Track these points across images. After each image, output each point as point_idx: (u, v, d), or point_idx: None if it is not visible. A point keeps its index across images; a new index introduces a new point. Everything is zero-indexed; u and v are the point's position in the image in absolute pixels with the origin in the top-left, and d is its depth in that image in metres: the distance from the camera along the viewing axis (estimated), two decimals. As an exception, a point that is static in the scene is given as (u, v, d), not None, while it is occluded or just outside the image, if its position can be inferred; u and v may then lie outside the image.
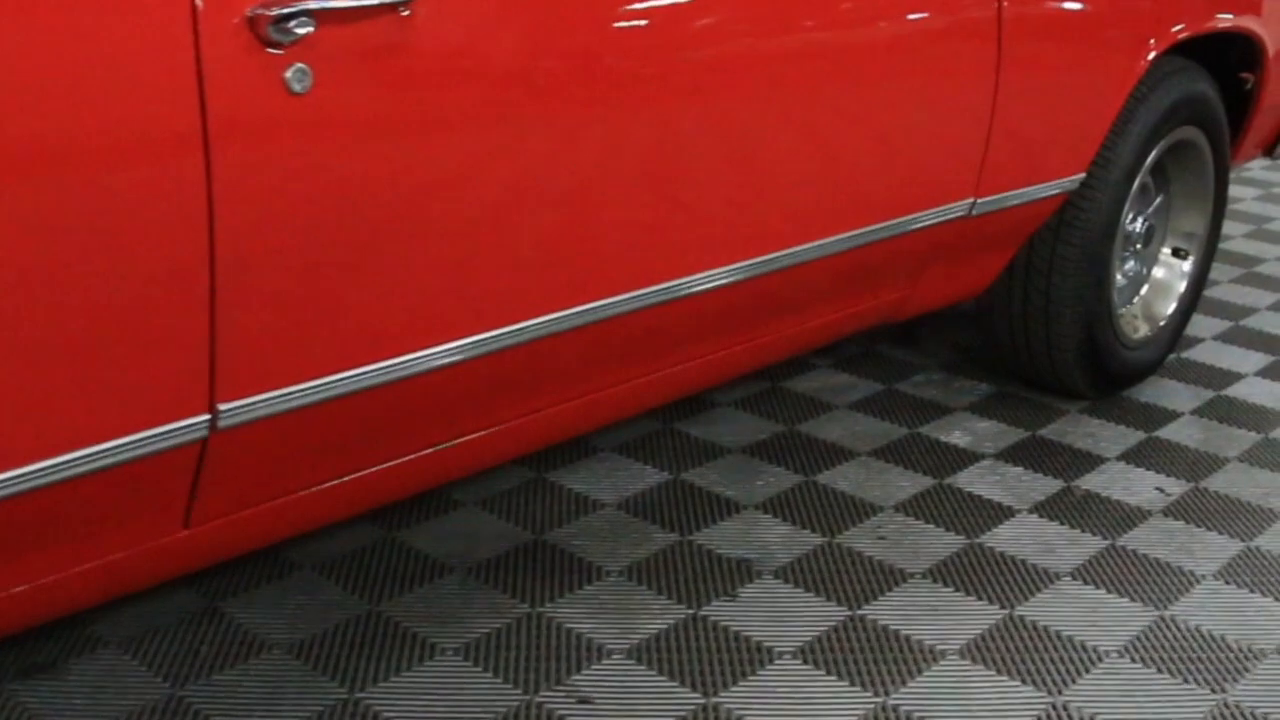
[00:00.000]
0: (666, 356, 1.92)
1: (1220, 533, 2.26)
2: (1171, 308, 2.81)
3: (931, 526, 2.25)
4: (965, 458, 2.49)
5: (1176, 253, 2.87)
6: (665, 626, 1.91)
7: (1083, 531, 2.26)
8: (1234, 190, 4.49)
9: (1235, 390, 2.85)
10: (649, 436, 2.51)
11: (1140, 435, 2.63)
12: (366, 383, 1.49)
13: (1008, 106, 2.14)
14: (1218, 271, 3.60)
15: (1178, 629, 1.97)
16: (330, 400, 1.45)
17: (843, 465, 2.45)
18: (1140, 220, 2.70)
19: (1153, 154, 2.57)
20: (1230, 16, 2.64)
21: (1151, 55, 2.43)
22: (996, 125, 2.13)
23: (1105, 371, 2.67)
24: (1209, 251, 2.89)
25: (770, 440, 2.54)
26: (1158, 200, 2.76)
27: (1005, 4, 2.09)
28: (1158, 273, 2.84)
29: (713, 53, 1.72)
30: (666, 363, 1.93)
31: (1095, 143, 2.38)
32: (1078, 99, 2.29)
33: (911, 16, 1.96)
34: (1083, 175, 2.40)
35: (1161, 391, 2.83)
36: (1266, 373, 2.95)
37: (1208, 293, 3.41)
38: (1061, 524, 2.28)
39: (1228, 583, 2.10)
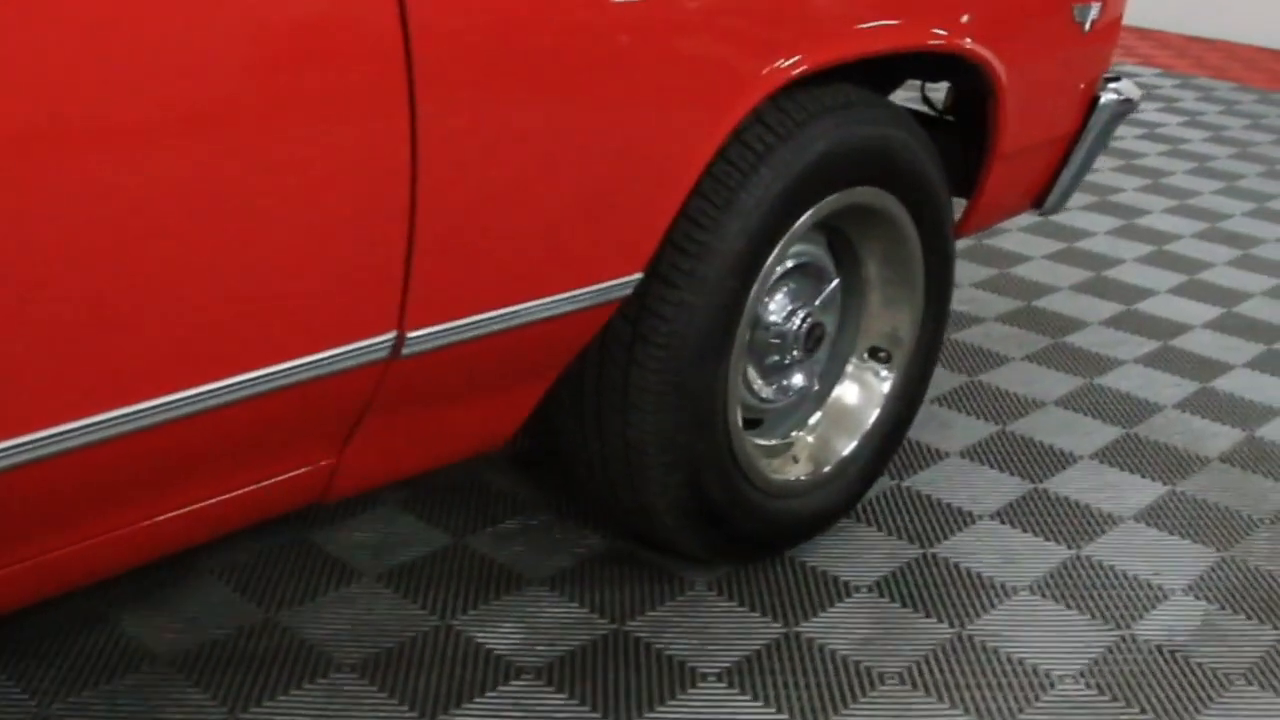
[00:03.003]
0: None
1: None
2: (853, 444, 2.00)
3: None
4: (490, 675, 1.69)
5: (876, 354, 2.14)
6: None
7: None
8: (1086, 221, 3.64)
9: (953, 546, 2.04)
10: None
11: (774, 631, 1.84)
12: None
13: (445, 192, 1.35)
14: (1012, 344, 2.75)
15: None
16: None
17: (300, 690, 1.68)
18: (802, 316, 1.93)
19: (791, 231, 1.78)
20: (925, 31, 1.83)
21: (766, 89, 1.62)
22: (425, 223, 1.34)
23: (731, 532, 1.88)
24: (925, 353, 2.07)
25: (234, 637, 1.76)
26: (831, 287, 1.97)
27: (415, 40, 1.31)
28: (842, 389, 2.04)
29: None
30: None
31: (657, 228, 1.59)
32: (605, 166, 1.49)
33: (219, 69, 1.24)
34: (639, 276, 1.63)
35: (847, 547, 2.03)
36: (1012, 513, 2.14)
37: (987, 376, 2.59)
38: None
39: None
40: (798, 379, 1.98)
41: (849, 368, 2.05)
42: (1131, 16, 6.25)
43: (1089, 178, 3.98)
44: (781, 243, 1.77)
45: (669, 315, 1.69)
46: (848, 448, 1.99)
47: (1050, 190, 2.27)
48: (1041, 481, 2.26)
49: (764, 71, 1.63)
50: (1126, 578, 2.01)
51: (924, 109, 2.29)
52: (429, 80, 1.31)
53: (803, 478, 1.95)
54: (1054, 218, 3.60)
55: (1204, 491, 2.27)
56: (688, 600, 1.90)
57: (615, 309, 1.62)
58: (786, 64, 1.65)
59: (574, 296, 1.52)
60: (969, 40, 1.92)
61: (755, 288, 1.76)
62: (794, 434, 1.99)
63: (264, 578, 1.89)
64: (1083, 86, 2.22)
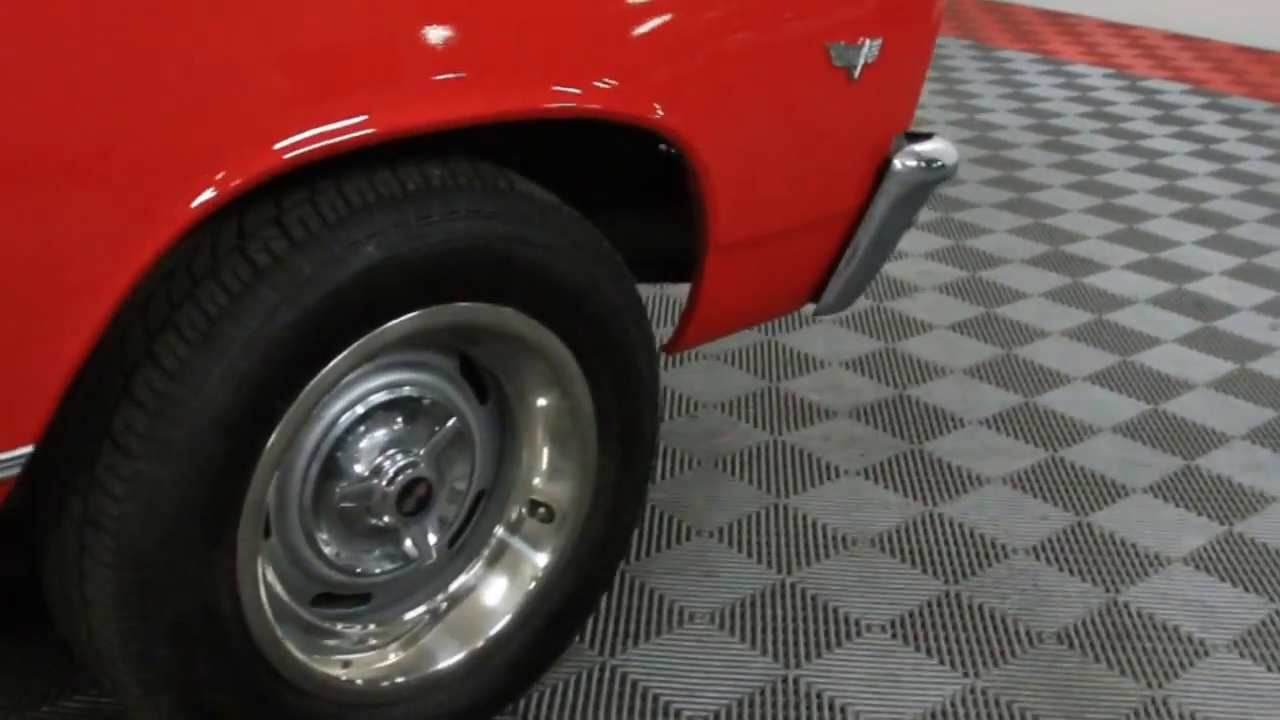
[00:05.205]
0: None
1: None
2: (460, 653, 1.47)
3: None
4: None
5: (535, 513, 1.65)
6: None
7: None
8: (1022, 278, 2.95)
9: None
10: None
11: None
12: None
13: None
14: (853, 452, 2.17)
15: None
16: None
17: None
18: (395, 469, 1.42)
19: (327, 370, 1.26)
20: (533, 92, 1.31)
21: (216, 191, 1.13)
22: None
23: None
24: (611, 513, 1.54)
25: None
26: (444, 432, 1.44)
27: None
28: (476, 573, 1.52)
29: None
30: None
31: (39, 391, 1.09)
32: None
33: None
34: (27, 450, 1.14)
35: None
36: (741, 714, 1.61)
37: (798, 499, 2.02)
38: None
39: None
40: (408, 547, 1.48)
41: (494, 536, 1.55)
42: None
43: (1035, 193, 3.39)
44: (312, 385, 1.30)
45: (121, 493, 1.22)
46: (456, 653, 1.47)
47: (827, 283, 1.78)
48: (797, 667, 1.75)
49: (204, 168, 1.12)
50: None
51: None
52: None
53: (359, 682, 1.42)
54: (986, 274, 3.00)
55: (1013, 690, 1.71)
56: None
57: (7, 490, 1.19)
58: (246, 155, 1.13)
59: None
60: (634, 100, 1.43)
61: (273, 448, 1.27)
62: (347, 629, 1.45)
63: None
64: (862, 151, 1.71)
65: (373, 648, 1.46)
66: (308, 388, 1.28)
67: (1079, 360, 2.64)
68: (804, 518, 2.04)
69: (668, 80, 1.43)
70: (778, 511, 2.06)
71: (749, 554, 1.95)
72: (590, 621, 1.76)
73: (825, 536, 2.00)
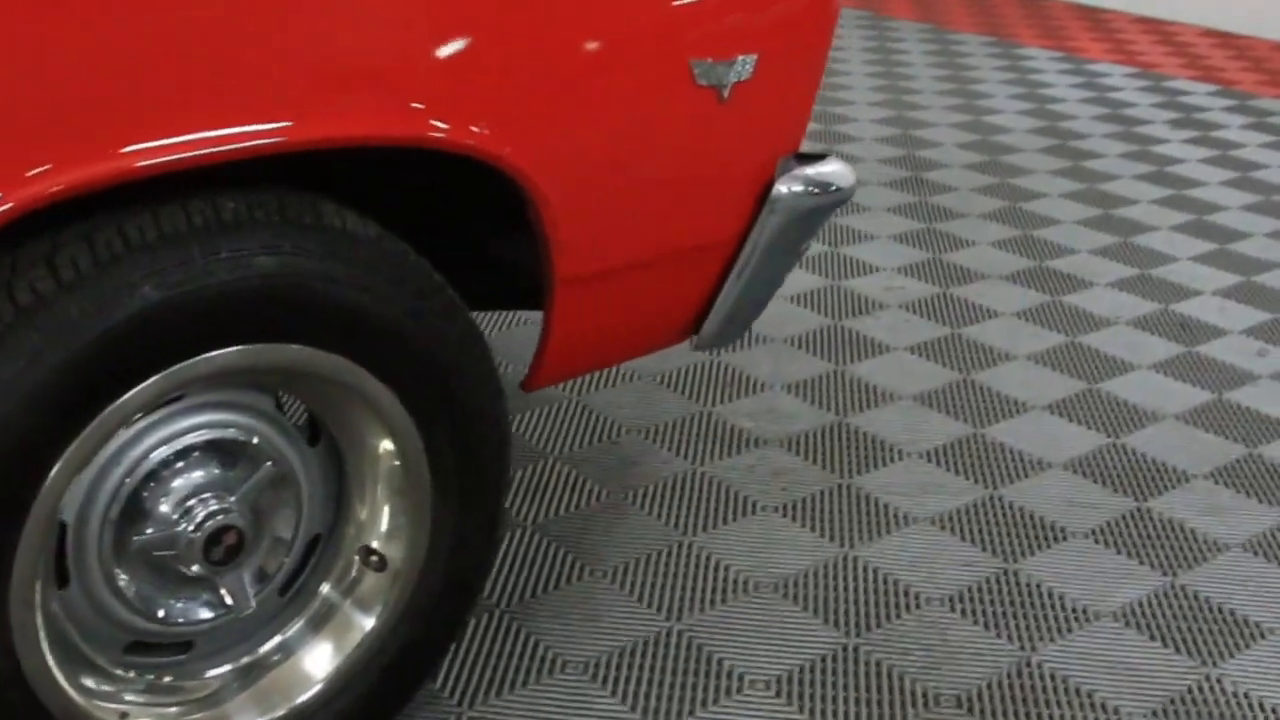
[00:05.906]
0: None
1: None
2: (259, 717, 1.38)
3: None
4: None
5: (370, 559, 1.52)
6: None
7: None
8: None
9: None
10: None
11: None
12: None
13: None
14: (779, 489, 2.08)
15: None
16: None
17: None
18: (203, 516, 1.32)
19: (105, 416, 1.16)
20: (339, 120, 1.21)
21: None
22: None
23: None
24: (450, 561, 1.44)
25: None
26: (257, 478, 1.34)
27: None
28: (296, 632, 1.42)
29: None
30: None
31: None
32: None
33: None
34: None
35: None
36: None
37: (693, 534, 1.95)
38: None
39: None
40: (225, 595, 1.43)
41: (319, 595, 1.44)
42: None
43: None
44: (89, 431, 1.20)
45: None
46: (257, 716, 1.37)
47: (705, 316, 1.66)
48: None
49: None
50: None
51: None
52: None
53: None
54: (958, 291, 2.84)
55: (898, 759, 1.63)
56: None
57: None
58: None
59: None
60: (457, 127, 1.32)
61: (45, 498, 1.19)
62: (139, 676, 1.36)
63: None
64: (738, 176, 1.57)
65: (156, 701, 1.37)
66: (83, 434, 1.20)
67: (1041, 387, 2.49)
68: (707, 558, 1.93)
69: (496, 100, 1.33)
70: (680, 551, 1.94)
71: (639, 598, 1.84)
72: (458, 668, 1.67)
73: (726, 579, 1.88)
